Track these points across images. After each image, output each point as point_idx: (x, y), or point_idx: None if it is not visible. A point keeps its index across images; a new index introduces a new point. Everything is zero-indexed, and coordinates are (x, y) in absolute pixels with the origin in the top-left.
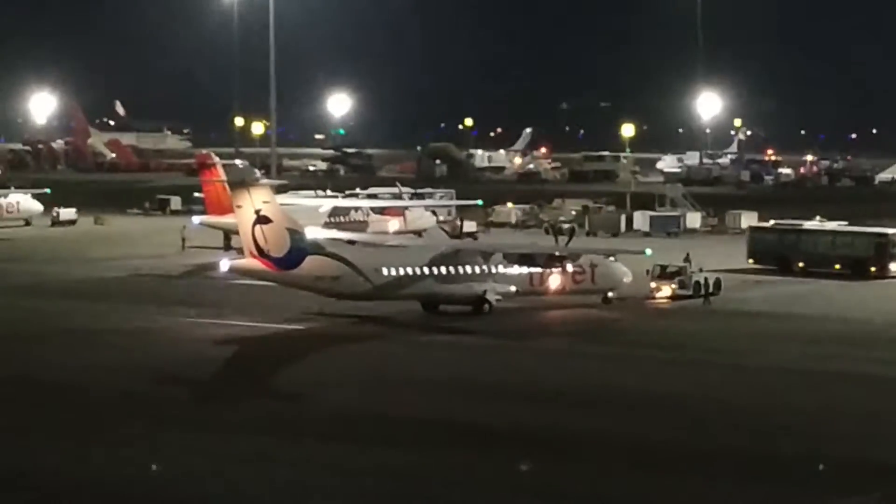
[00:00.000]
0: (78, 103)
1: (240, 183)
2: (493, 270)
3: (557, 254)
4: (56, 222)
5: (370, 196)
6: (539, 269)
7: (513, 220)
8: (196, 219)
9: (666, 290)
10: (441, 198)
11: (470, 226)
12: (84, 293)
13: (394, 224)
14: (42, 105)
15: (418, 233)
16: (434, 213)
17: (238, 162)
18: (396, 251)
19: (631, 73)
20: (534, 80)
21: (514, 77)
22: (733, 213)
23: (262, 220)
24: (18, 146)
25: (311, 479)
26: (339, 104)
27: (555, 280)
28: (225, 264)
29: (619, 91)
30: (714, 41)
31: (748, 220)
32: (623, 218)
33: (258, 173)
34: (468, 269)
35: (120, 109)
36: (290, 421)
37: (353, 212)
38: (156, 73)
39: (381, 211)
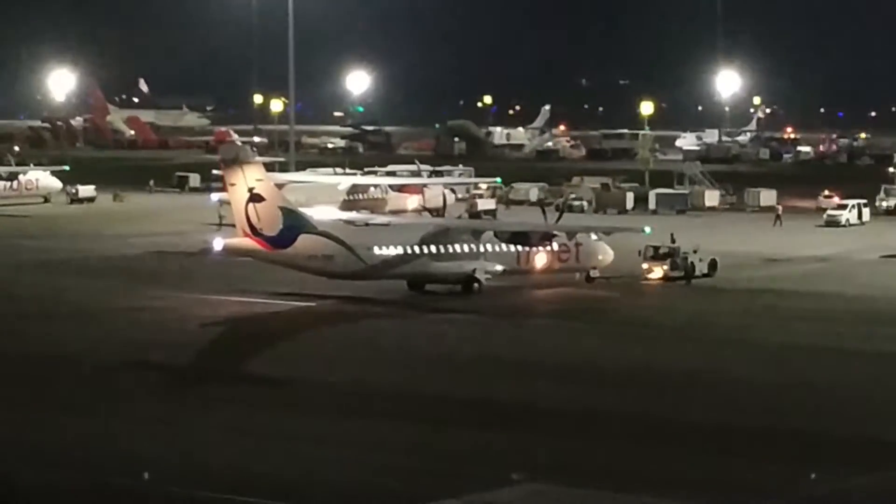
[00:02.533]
0: (98, 81)
1: (233, 160)
2: (482, 249)
3: (551, 232)
4: (75, 199)
5: (389, 173)
6: (529, 248)
7: (532, 198)
8: (215, 195)
9: (657, 271)
10: (460, 175)
11: (488, 203)
12: (103, 270)
13: (412, 201)
14: (61, 82)
15: (437, 210)
16: (453, 190)
17: (256, 139)
18: (387, 230)
19: (650, 51)
20: (553, 57)
21: (533, 55)
22: (752, 190)
23: (254, 198)
24: (38, 123)
25: (324, 453)
26: (357, 81)
27: (541, 259)
28: (219, 243)
29: (638, 69)
30: (733, 19)
31: (767, 197)
32: (631, 196)
33: (250, 150)
34: (458, 247)
35: (144, 87)
36: (309, 397)
37: (371, 189)
38: (175, 51)
39: (399, 188)
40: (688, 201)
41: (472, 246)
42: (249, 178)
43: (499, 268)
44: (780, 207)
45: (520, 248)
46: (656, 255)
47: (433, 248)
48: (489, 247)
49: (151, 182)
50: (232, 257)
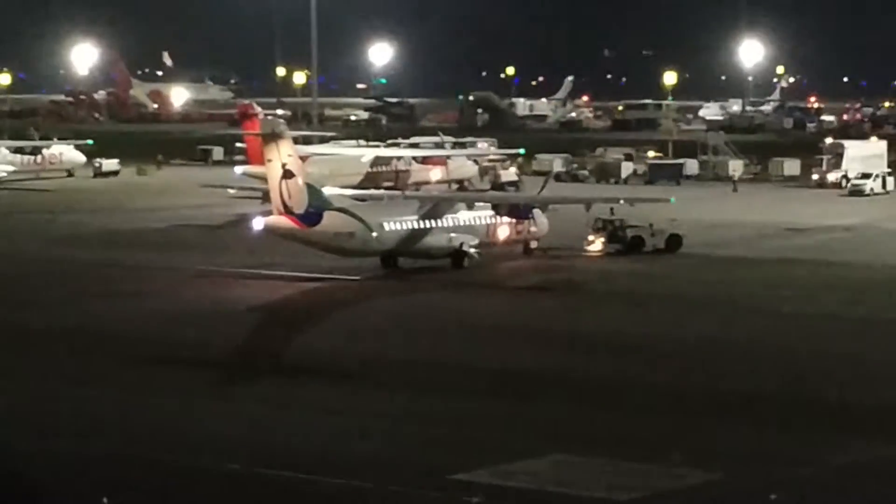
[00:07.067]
0: (121, 54)
1: (270, 135)
2: (461, 222)
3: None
4: (99, 173)
5: (412, 145)
6: (505, 220)
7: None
8: (238, 169)
9: (597, 243)
10: (483, 147)
11: (510, 175)
12: (126, 242)
13: (436, 173)
14: (84, 56)
15: (461, 182)
16: (476, 162)
17: (279, 112)
18: (389, 205)
19: (673, 21)
20: (576, 28)
21: (556, 25)
22: (776, 160)
23: (287, 174)
24: (61, 97)
25: (352, 423)
26: (380, 53)
27: (503, 231)
28: (259, 222)
29: (661, 39)
30: None
31: (791, 167)
32: (629, 166)
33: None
34: (446, 221)
35: (167, 60)
36: (348, 368)
37: (394, 161)
38: (198, 24)
39: (422, 160)
40: (681, 172)
41: (456, 219)
42: (283, 153)
43: (476, 241)
44: (735, 174)
45: (511, 218)
46: (602, 228)
47: (431, 223)
48: (466, 219)
49: (160, 157)
50: (272, 236)
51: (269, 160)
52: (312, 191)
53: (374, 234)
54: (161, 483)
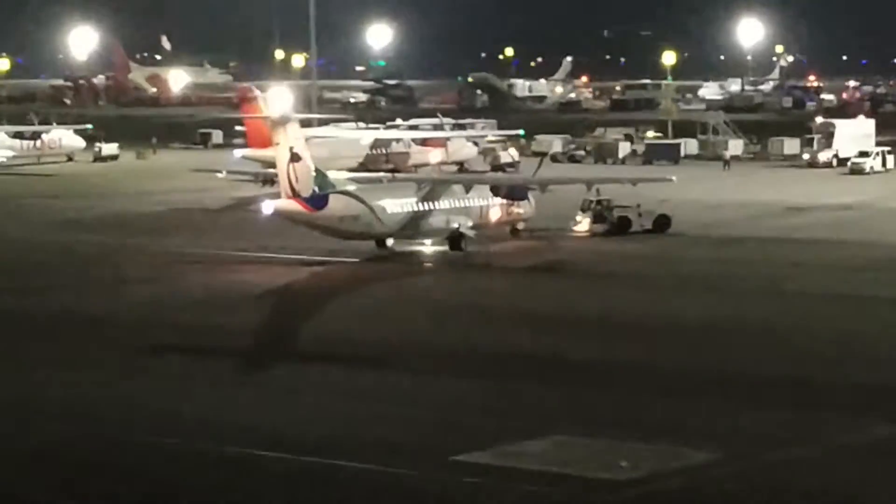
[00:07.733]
0: (120, 38)
1: (278, 119)
2: (456, 204)
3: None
4: (98, 158)
5: (411, 127)
6: (496, 202)
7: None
8: (238, 152)
9: (584, 224)
10: (482, 128)
11: (508, 156)
12: (126, 226)
13: (435, 155)
14: (83, 41)
15: (460, 164)
16: (476, 143)
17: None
18: (388, 188)
19: (672, 1)
20: (574, 8)
21: (555, 5)
22: (775, 139)
23: (294, 157)
24: (60, 82)
25: (355, 406)
26: (378, 35)
27: (496, 213)
28: (268, 206)
29: (660, 18)
30: None
31: (790, 146)
32: (626, 146)
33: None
34: (443, 203)
35: (166, 44)
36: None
37: (394, 143)
38: (196, 7)
39: (422, 142)
40: (679, 151)
41: (452, 201)
42: (291, 137)
43: (470, 223)
44: (727, 153)
45: (505, 200)
46: (589, 208)
47: (429, 205)
48: (461, 202)
49: (154, 140)
50: (282, 220)
51: (277, 143)
52: (318, 174)
53: (379, 217)
54: (162, 468)
